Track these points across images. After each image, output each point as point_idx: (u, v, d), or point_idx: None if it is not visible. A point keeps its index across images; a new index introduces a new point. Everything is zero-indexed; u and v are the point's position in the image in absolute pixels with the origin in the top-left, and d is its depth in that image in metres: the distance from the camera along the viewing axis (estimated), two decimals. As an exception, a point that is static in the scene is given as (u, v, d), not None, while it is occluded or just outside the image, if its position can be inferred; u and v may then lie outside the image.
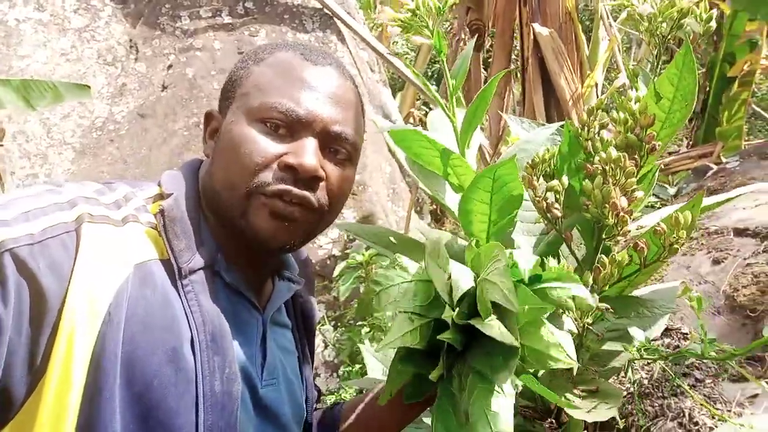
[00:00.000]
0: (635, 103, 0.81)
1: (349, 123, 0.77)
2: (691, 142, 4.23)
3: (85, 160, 2.51)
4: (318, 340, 2.13)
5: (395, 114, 3.00)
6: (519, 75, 2.52)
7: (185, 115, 2.61)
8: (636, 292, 1.05)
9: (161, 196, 0.75)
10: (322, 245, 2.35)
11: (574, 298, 0.67)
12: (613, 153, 0.74)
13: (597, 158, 0.77)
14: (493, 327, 0.65)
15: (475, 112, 0.87)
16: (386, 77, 3.17)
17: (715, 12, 0.84)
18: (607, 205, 0.75)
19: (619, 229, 0.76)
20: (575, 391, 0.87)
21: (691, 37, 0.84)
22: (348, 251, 2.06)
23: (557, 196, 0.83)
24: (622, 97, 0.81)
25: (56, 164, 2.48)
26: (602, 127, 0.83)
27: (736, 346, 1.83)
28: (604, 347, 0.98)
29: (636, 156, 0.80)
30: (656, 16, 0.81)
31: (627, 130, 0.81)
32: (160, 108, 2.63)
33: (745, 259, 1.95)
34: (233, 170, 0.73)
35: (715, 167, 2.81)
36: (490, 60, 2.92)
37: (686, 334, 1.84)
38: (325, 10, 2.68)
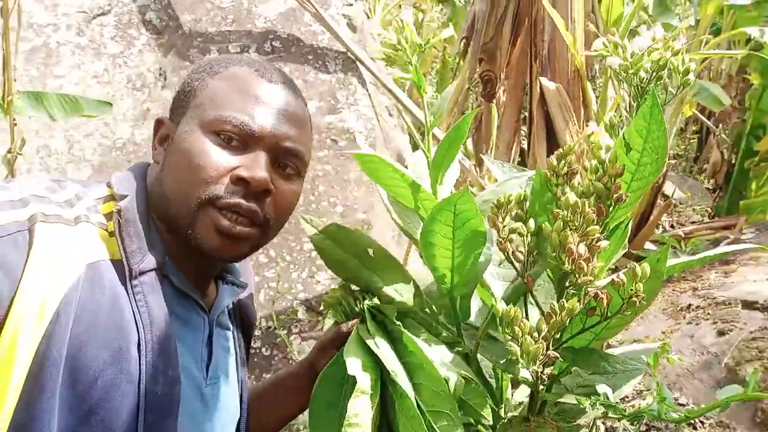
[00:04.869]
0: (606, 152, 0.80)
1: (299, 139, 0.80)
2: (713, 213, 4.16)
3: (102, 177, 2.57)
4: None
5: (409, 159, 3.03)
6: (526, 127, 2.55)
7: (203, 143, 2.67)
8: (614, 351, 1.02)
9: (112, 197, 0.77)
10: (321, 281, 2.34)
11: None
12: (572, 198, 0.73)
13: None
14: None
15: (448, 147, 0.87)
16: (405, 124, 3.21)
17: (693, 65, 0.83)
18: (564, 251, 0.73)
19: (577, 277, 0.74)
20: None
21: (668, 90, 0.83)
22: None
23: (522, 239, 0.82)
24: (592, 144, 0.81)
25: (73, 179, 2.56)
26: (572, 173, 0.82)
27: (735, 422, 1.75)
28: (572, 402, 0.95)
29: (603, 205, 0.79)
30: (628, 67, 0.81)
31: (597, 178, 0.80)
32: (180, 134, 2.69)
33: (751, 332, 1.89)
34: (185, 181, 0.75)
35: (731, 237, 2.75)
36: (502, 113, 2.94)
37: (684, 405, 1.77)
38: (349, 54, 2.75)
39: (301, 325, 2.37)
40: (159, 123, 0.84)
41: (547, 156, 2.55)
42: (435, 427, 0.72)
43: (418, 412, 0.72)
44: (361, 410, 0.71)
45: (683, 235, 3.27)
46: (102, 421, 0.66)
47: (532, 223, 0.82)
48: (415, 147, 3.69)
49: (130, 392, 0.68)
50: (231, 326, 0.92)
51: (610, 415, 0.92)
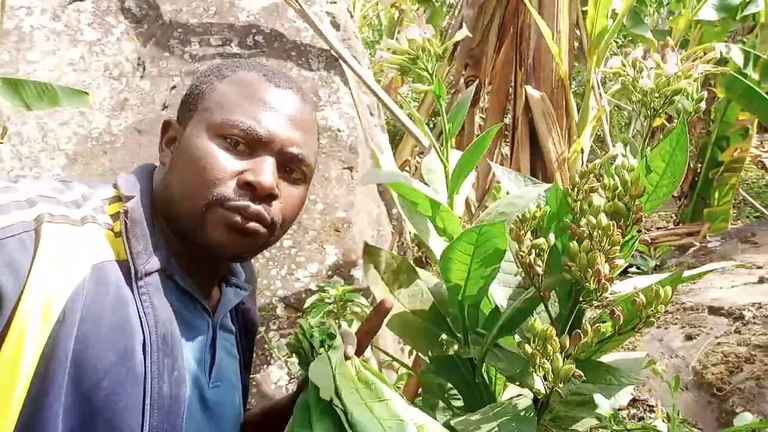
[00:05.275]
0: (628, 172, 0.83)
1: (306, 145, 0.80)
2: (677, 220, 4.31)
3: (76, 167, 2.50)
4: (282, 373, 2.10)
5: (389, 157, 3.04)
6: (509, 133, 2.59)
7: (183, 136, 2.62)
8: (603, 359, 1.06)
9: (119, 198, 0.76)
10: (300, 278, 2.34)
11: None
12: (603, 220, 0.76)
13: (584, 221, 0.79)
14: None
15: (469, 158, 0.89)
16: (384, 123, 3.22)
17: (705, 94, 0.88)
18: (590, 270, 0.76)
19: (599, 294, 0.76)
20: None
21: (685, 116, 0.87)
22: (323, 285, 2.07)
23: (541, 254, 0.84)
24: (616, 165, 0.84)
25: (47, 169, 2.48)
26: (591, 190, 0.85)
27: (701, 423, 1.84)
28: (567, 410, 0.98)
29: (621, 224, 0.82)
30: (653, 90, 0.84)
31: (616, 197, 0.83)
32: (158, 126, 2.64)
33: (716, 337, 1.98)
34: (193, 182, 0.74)
35: (697, 245, 2.87)
36: (484, 117, 2.99)
37: (653, 406, 1.85)
38: (332, 52, 2.74)
39: (279, 321, 2.36)
40: (166, 125, 0.83)
41: (531, 162, 2.62)
42: None
43: None
44: None
45: (650, 240, 3.40)
46: (108, 421, 0.65)
47: (552, 238, 0.85)
48: (392, 144, 3.71)
49: (136, 393, 0.68)
50: (234, 329, 0.92)
51: (611, 426, 0.96)
